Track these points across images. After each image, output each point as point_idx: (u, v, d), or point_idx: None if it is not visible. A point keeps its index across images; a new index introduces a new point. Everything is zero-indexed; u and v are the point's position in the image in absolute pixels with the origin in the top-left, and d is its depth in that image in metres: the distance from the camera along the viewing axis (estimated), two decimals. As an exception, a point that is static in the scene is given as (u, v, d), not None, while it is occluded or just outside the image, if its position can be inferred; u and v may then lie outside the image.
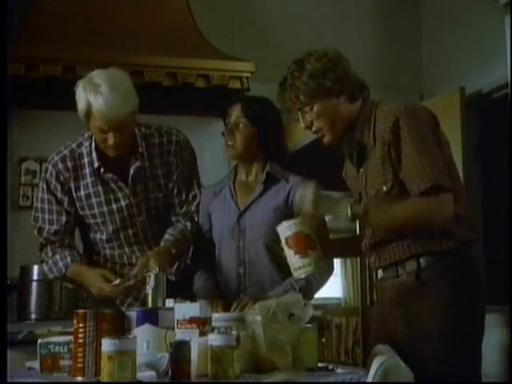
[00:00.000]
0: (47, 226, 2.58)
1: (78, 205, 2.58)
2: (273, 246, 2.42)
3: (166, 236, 2.57)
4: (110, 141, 2.40)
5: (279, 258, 2.39)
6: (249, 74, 3.90)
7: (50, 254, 2.58)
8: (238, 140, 2.53)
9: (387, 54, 4.90)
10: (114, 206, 2.56)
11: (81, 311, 1.78)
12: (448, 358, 1.94)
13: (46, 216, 2.58)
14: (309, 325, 1.93)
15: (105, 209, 2.56)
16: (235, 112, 2.55)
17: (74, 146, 2.59)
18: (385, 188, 2.05)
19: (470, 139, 4.23)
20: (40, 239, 2.60)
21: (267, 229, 2.46)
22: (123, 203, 2.56)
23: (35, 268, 3.54)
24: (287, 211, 2.44)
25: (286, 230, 2.10)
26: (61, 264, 2.56)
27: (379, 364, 1.69)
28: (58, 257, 2.57)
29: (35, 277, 3.54)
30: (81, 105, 2.39)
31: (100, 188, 2.55)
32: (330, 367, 1.89)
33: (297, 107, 2.15)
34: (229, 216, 2.56)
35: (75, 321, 1.75)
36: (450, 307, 1.98)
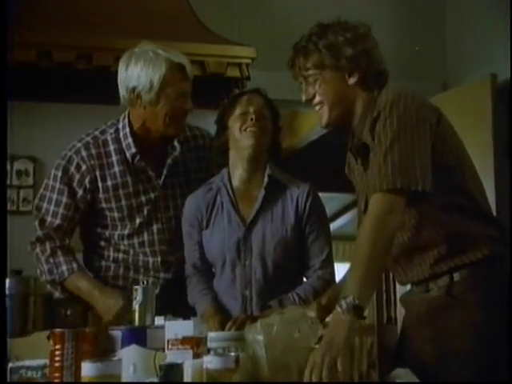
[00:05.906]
0: (50, 219, 2.60)
1: (102, 196, 2.60)
2: (284, 264, 2.40)
3: None
4: (189, 103, 2.52)
5: (289, 278, 2.38)
6: (249, 61, 3.88)
7: (48, 251, 2.58)
8: (263, 130, 2.50)
9: (406, 37, 4.88)
10: (143, 198, 2.61)
11: (58, 330, 1.77)
12: (479, 382, 1.92)
13: (52, 207, 2.60)
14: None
15: (133, 201, 2.60)
16: (256, 101, 2.53)
17: (96, 133, 2.65)
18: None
19: (501, 132, 4.22)
20: (39, 232, 2.61)
21: (277, 245, 2.45)
22: (152, 195, 2.61)
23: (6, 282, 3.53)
24: (298, 224, 2.44)
25: None
26: (64, 268, 2.56)
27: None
28: (61, 259, 2.58)
29: (7, 291, 3.52)
30: (155, 77, 2.46)
31: (129, 178, 2.60)
32: (342, 392, 1.86)
33: (303, 75, 2.15)
34: (231, 230, 2.50)
35: (51, 341, 1.74)
36: (482, 325, 1.95)
